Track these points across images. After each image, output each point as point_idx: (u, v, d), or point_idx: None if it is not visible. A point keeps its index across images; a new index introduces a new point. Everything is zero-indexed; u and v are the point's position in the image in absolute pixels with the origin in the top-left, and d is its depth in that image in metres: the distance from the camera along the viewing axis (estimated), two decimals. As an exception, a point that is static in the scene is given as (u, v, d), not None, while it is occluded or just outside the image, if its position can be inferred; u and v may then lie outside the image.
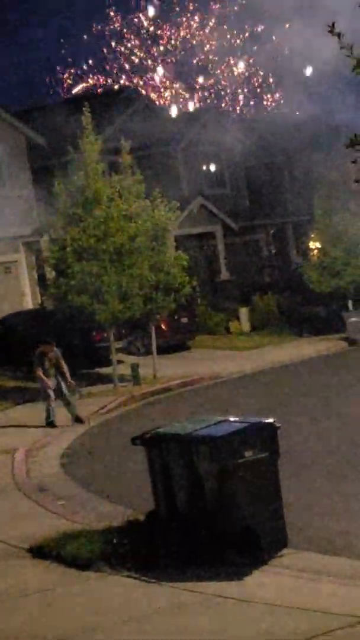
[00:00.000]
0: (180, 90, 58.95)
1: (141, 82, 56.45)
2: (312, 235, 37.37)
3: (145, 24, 61.92)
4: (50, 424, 20.73)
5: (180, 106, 45.61)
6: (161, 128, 40.42)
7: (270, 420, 10.82)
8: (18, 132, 34.19)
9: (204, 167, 42.83)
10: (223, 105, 58.68)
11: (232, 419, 11.27)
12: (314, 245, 36.89)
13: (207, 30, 60.96)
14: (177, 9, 60.46)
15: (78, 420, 21.01)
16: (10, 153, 33.85)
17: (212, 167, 43.13)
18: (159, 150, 39.89)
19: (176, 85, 59.09)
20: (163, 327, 30.51)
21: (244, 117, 44.35)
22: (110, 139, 32.07)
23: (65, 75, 63.28)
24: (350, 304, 34.33)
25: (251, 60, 60.20)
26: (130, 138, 27.63)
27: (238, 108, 59.23)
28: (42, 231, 31.72)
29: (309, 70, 35.69)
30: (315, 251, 36.31)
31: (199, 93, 60.23)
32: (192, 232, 38.35)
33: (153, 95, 51.44)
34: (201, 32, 61.17)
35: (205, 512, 10.40)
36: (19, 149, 34.27)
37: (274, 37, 52.23)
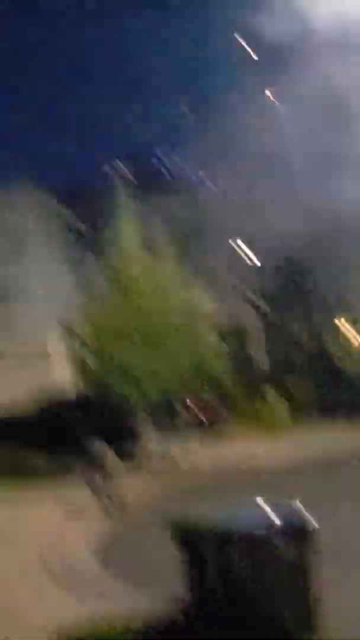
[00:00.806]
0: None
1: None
2: (350, 321, 37.31)
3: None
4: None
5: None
6: (204, 217, 40.65)
7: (309, 518, 10.72)
8: (60, 216, 34.55)
9: (247, 258, 42.89)
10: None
11: (269, 512, 11.16)
12: (351, 330, 36.81)
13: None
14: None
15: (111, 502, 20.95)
16: (51, 236, 34.18)
17: (256, 261, 43.17)
18: (201, 239, 40.07)
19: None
20: (196, 407, 30.40)
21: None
22: (153, 225, 32.33)
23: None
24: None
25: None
26: (173, 225, 27.81)
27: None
28: (80, 314, 31.85)
29: None
30: (353, 336, 36.21)
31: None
32: (226, 317, 38.34)
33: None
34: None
35: (238, 603, 10.28)
36: (60, 232, 34.60)
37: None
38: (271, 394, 36.18)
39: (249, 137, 31.46)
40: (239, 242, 42.33)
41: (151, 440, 26.79)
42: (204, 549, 10.64)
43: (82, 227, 35.15)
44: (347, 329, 36.60)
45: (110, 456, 21.41)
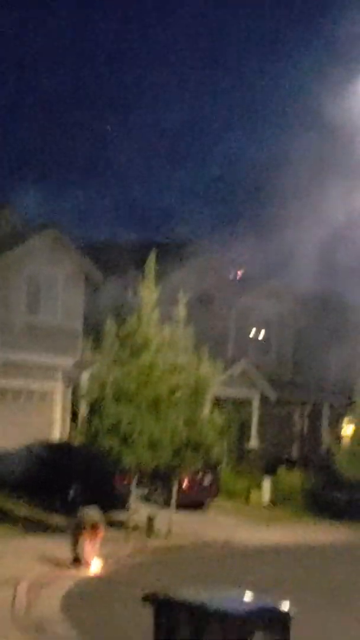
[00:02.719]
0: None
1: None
2: (348, 419, 37.21)
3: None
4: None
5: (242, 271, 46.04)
6: (219, 286, 40.91)
7: (286, 606, 10.58)
8: (79, 265, 34.73)
9: (254, 331, 43.14)
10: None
11: (246, 595, 11.03)
12: (348, 429, 36.70)
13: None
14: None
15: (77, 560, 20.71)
16: (68, 284, 34.36)
17: (262, 333, 43.43)
18: (211, 308, 40.27)
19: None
20: (185, 482, 30.19)
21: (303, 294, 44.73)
22: (167, 287, 32.47)
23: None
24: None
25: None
26: (187, 290, 27.88)
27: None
28: (84, 365, 31.92)
29: None
30: (349, 436, 36.09)
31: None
32: (230, 394, 38.32)
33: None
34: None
35: None
36: (76, 281, 34.77)
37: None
38: (262, 478, 35.98)
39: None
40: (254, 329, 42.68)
41: (137, 505, 26.56)
42: (179, 623, 10.48)
43: (102, 280, 35.33)
44: (348, 429, 36.49)
45: (91, 514, 21.18)
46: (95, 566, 20.67)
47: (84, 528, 20.60)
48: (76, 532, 20.75)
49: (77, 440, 28.66)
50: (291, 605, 10.66)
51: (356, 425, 35.62)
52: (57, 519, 26.14)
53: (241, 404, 40.38)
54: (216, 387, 28.42)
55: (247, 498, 35.11)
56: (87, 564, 20.57)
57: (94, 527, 20.72)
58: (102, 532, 20.83)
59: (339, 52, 27.55)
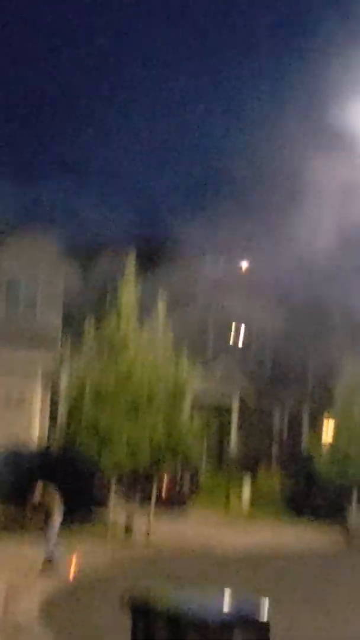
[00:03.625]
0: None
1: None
2: (329, 422, 37.10)
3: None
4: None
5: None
6: (199, 286, 40.75)
7: (264, 608, 10.45)
8: (57, 267, 34.52)
9: (234, 333, 43.01)
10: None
11: (225, 597, 10.91)
12: (329, 432, 36.59)
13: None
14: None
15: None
16: (47, 286, 34.13)
17: (242, 334, 43.30)
18: (192, 308, 40.08)
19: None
20: (164, 485, 30.07)
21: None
22: (147, 289, 32.32)
23: None
24: (355, 496, 33.78)
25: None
26: (167, 290, 27.72)
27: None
28: (63, 368, 31.70)
29: None
30: (329, 439, 35.97)
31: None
32: (210, 395, 38.14)
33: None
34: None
35: None
36: (55, 283, 34.55)
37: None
38: (241, 481, 35.87)
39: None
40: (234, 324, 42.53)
41: (114, 508, 26.43)
42: (156, 629, 10.34)
43: (83, 281, 35.16)
44: (328, 429, 36.39)
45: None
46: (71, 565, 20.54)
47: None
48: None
49: (56, 442, 28.48)
50: (269, 605, 10.54)
51: (335, 428, 35.52)
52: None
53: (221, 407, 40.24)
54: (195, 389, 28.28)
55: (226, 500, 34.98)
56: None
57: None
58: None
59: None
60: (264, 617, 10.40)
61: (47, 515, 20.89)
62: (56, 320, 34.50)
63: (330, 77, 25.93)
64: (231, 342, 42.73)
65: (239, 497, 35.28)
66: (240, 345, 43.19)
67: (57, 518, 20.79)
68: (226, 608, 10.67)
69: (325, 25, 28.43)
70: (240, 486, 35.62)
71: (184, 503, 32.24)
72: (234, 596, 11.33)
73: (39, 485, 21.19)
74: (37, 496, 21.03)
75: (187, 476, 31.59)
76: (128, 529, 25.52)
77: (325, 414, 38.57)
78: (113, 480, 25.91)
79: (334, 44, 27.17)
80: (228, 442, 40.27)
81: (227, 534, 28.81)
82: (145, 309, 28.92)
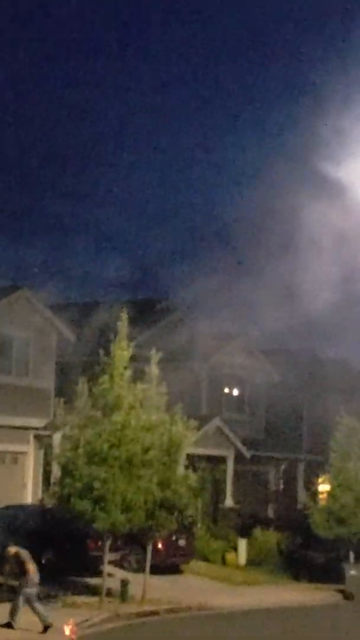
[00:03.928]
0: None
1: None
2: (323, 478, 36.79)
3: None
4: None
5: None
6: (192, 344, 40.65)
7: None
8: (50, 325, 34.34)
9: (227, 389, 42.83)
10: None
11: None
12: (324, 487, 36.27)
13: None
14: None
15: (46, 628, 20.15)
16: (39, 344, 33.95)
17: (235, 391, 43.12)
18: (186, 365, 39.93)
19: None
20: (159, 546, 29.62)
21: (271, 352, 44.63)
22: (139, 346, 32.14)
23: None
24: (352, 555, 33.36)
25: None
26: (160, 348, 27.54)
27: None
28: (56, 427, 31.37)
29: None
30: (324, 494, 35.65)
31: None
32: (204, 452, 37.79)
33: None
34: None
35: None
36: (48, 342, 34.40)
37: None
38: (237, 541, 35.47)
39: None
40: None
41: (110, 570, 26.01)
42: None
43: (75, 339, 34.96)
44: (324, 489, 36.08)
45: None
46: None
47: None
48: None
49: (50, 503, 28.07)
50: None
51: (331, 483, 35.21)
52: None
53: (215, 463, 39.87)
54: (190, 446, 27.98)
55: (222, 560, 34.56)
56: None
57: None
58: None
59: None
60: None
61: (23, 575, 20.53)
62: (49, 380, 34.25)
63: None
64: (225, 396, 42.55)
65: (236, 556, 34.88)
66: (234, 398, 43.00)
67: (32, 577, 20.45)
68: None
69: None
70: (236, 544, 35.22)
71: (180, 563, 31.79)
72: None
73: (11, 550, 20.88)
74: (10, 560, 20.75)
75: (183, 535, 31.12)
76: (124, 592, 25.07)
77: (321, 469, 38.28)
78: (108, 542, 25.43)
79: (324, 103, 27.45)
80: (223, 499, 39.80)
81: (223, 595, 28.46)
82: (139, 366, 28.78)
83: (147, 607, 24.86)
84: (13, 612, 20.27)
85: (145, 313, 40.18)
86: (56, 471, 26.88)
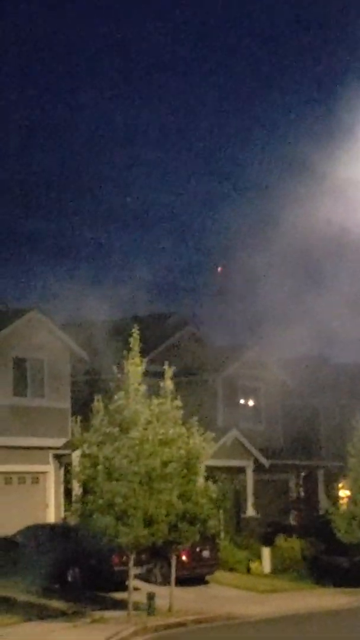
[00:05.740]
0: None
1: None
2: (343, 483, 36.89)
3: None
4: None
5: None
6: (204, 357, 40.90)
7: None
8: (63, 345, 34.60)
9: (242, 400, 43.01)
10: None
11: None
12: (344, 493, 36.37)
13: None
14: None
15: None
16: (54, 365, 34.22)
17: (251, 402, 43.30)
18: (200, 378, 40.18)
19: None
20: (184, 558, 29.83)
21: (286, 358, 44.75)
22: (153, 361, 32.39)
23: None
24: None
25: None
26: (173, 363, 27.75)
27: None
28: (75, 445, 31.62)
29: None
30: (345, 499, 35.73)
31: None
32: (223, 464, 37.98)
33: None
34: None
35: None
36: (62, 362, 34.66)
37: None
38: (261, 550, 35.60)
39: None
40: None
41: (136, 584, 26.19)
42: None
43: (88, 357, 35.21)
44: (345, 494, 36.15)
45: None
46: None
47: None
48: None
49: (72, 521, 28.30)
50: None
51: (352, 488, 35.28)
52: (56, 604, 25.75)
53: (235, 473, 40.05)
54: (208, 458, 28.17)
55: (247, 569, 34.71)
56: None
57: None
58: None
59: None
60: None
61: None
62: (65, 399, 34.51)
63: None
64: (241, 407, 42.69)
65: (260, 564, 35.00)
66: (250, 409, 43.16)
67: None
68: None
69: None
70: (260, 553, 35.35)
71: (206, 576, 31.96)
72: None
73: None
74: None
75: (206, 546, 31.30)
76: (150, 606, 25.26)
77: (341, 474, 38.37)
78: (132, 557, 25.62)
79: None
80: (245, 508, 39.94)
81: (249, 604, 28.54)
82: (152, 381, 29.02)
83: (174, 619, 25.03)
84: None
85: (157, 328, 40.46)
86: (77, 489, 27.10)
